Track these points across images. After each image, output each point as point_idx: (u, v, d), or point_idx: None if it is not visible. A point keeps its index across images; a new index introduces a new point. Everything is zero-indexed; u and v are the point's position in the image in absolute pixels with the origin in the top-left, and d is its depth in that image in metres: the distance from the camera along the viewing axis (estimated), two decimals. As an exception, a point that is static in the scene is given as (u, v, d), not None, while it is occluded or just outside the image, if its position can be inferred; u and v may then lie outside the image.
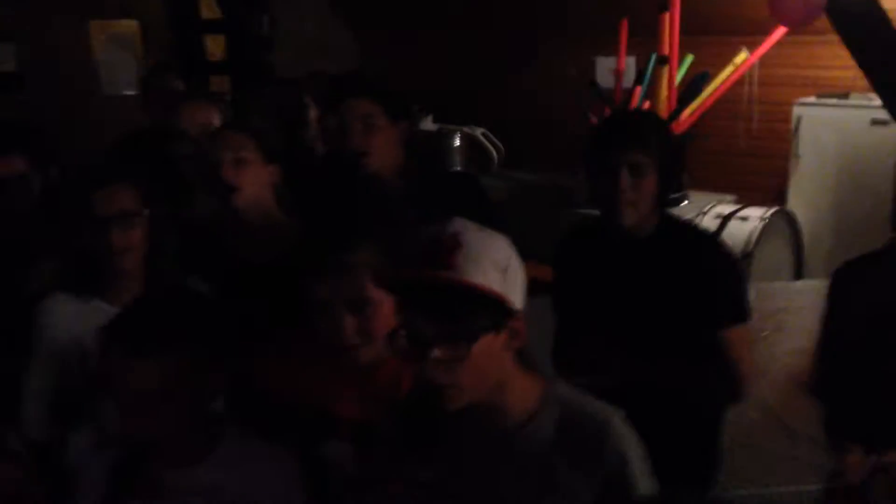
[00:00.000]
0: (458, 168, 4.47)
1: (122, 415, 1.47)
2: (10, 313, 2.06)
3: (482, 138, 4.45)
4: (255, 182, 2.27)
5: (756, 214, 3.98)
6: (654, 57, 3.95)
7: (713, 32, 4.18)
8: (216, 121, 2.53)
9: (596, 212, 2.09)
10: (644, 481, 1.37)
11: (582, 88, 4.15)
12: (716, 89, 4.01)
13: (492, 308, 1.29)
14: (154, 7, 5.16)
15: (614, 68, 4.10)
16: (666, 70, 3.91)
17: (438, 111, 4.49)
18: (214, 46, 5.28)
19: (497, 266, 1.30)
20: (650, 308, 2.00)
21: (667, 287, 1.99)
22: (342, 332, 1.61)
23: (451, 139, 4.44)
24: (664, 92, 3.94)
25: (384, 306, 1.59)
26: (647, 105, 3.99)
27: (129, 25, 5.25)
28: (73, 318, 2.01)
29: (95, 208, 1.98)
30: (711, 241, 2.22)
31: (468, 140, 4.48)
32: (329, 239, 1.69)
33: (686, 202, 4.20)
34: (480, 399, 1.34)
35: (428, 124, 4.48)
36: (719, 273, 2.03)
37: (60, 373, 2.01)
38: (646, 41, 3.97)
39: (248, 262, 2.23)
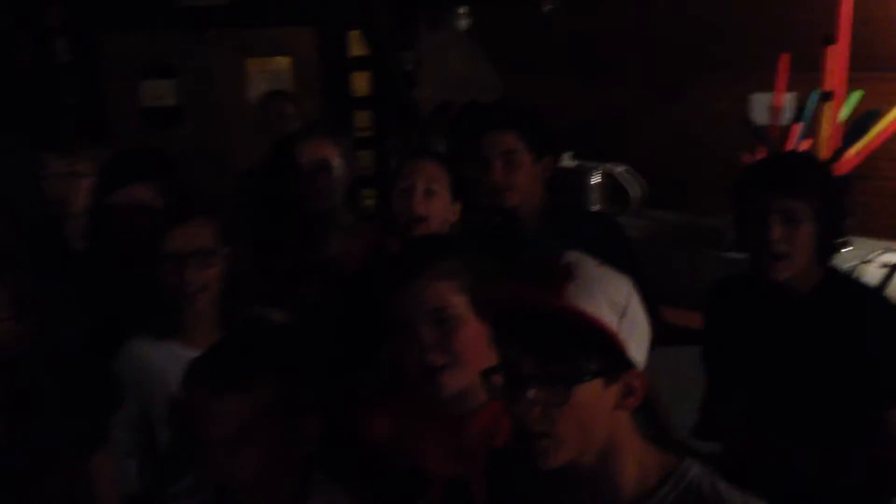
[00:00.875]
0: (596, 206, 4.32)
1: (209, 460, 1.37)
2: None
3: (624, 175, 4.29)
4: (441, 214, 2.22)
5: (930, 264, 3.60)
6: (816, 93, 3.68)
7: (886, 68, 3.87)
8: (334, 158, 2.52)
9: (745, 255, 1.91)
10: None
11: (735, 125, 3.92)
12: (886, 127, 3.69)
13: (603, 351, 1.11)
14: (307, 45, 5.35)
15: (770, 104, 3.86)
16: (830, 107, 3.63)
17: (579, 147, 4.37)
18: (359, 82, 5.41)
19: (614, 306, 1.12)
20: (806, 377, 1.78)
21: (824, 354, 1.77)
22: (422, 349, 1.44)
23: (590, 176, 4.30)
24: (827, 130, 3.66)
25: (471, 326, 1.43)
26: (806, 144, 3.72)
27: (283, 62, 5.46)
28: (153, 364, 1.98)
29: (172, 245, 1.97)
30: (880, 302, 1.94)
31: (608, 178, 4.33)
32: (412, 251, 1.57)
33: (848, 248, 3.86)
34: (582, 460, 1.14)
35: (567, 161, 4.36)
36: (887, 342, 1.77)
37: (147, 422, 1.99)
38: (807, 76, 3.70)
39: None
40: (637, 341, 1.15)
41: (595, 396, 1.12)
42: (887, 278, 3.60)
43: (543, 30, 4.80)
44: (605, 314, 1.11)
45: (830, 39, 3.59)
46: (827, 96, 3.64)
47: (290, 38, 5.39)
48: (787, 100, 3.83)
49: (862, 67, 3.70)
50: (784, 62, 3.83)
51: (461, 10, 4.76)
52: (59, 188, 2.59)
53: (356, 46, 5.34)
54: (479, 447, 1.47)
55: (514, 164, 2.26)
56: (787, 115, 3.82)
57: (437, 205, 2.20)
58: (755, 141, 3.78)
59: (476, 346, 1.40)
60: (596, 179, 4.25)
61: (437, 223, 2.19)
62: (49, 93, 4.78)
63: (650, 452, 1.20)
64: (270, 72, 5.48)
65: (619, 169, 4.29)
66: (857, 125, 3.63)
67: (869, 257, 3.75)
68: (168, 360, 1.92)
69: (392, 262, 1.56)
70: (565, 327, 1.09)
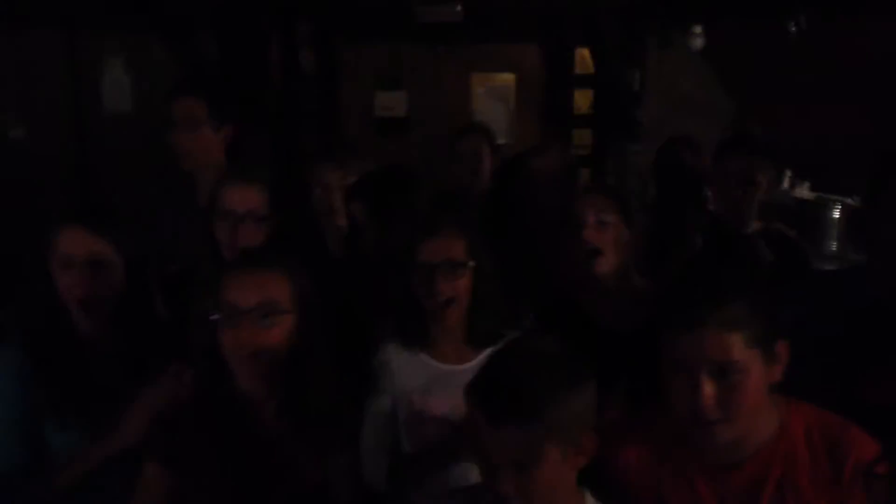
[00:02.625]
0: (834, 243, 4.05)
1: (491, 481, 1.41)
2: (358, 365, 2.12)
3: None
4: (616, 246, 2.21)
5: None
6: None
7: None
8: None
9: None
10: None
11: None
12: None
13: None
14: (532, 62, 5.41)
15: None
16: None
17: (819, 177, 4.11)
18: (582, 100, 5.39)
19: None
20: None
21: None
22: (699, 401, 1.38)
23: (829, 210, 4.03)
24: None
25: (752, 379, 1.38)
26: None
27: (507, 79, 5.56)
28: (403, 372, 2.06)
29: (423, 256, 2.02)
30: None
31: (849, 212, 4.04)
32: (694, 293, 1.46)
33: None
34: None
35: (804, 192, 4.12)
36: None
37: (392, 428, 2.07)
38: None
39: (607, 330, 2.16)
40: None
41: None
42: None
43: (786, 52, 4.56)
44: None
45: None
46: None
47: (515, 54, 5.47)
48: None
49: None
50: None
51: (695, 31, 4.61)
52: (330, 198, 2.78)
53: (581, 65, 5.33)
54: (743, 498, 1.42)
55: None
56: None
57: (610, 236, 2.19)
58: None
59: (754, 399, 1.36)
60: (835, 214, 3.99)
61: (615, 255, 2.19)
62: (293, 101, 5.14)
63: None
64: (494, 87, 5.60)
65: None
66: None
67: None
68: (416, 370, 2.01)
69: (676, 299, 1.49)
70: None
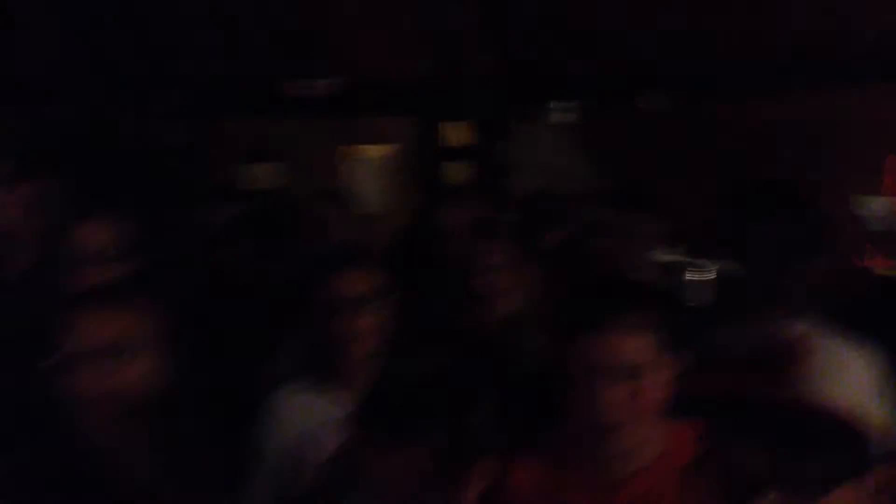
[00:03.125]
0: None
1: None
2: (245, 403, 2.04)
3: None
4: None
5: None
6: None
7: None
8: None
9: None
10: None
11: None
12: None
13: (854, 445, 0.99)
14: (405, 135, 5.48)
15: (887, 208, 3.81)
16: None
17: (693, 243, 4.33)
18: (454, 172, 5.50)
19: (858, 389, 1.03)
20: None
21: None
22: (605, 404, 1.35)
23: (685, 274, 4.24)
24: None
25: (657, 383, 1.36)
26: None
27: (380, 150, 5.59)
28: (301, 413, 1.97)
29: (338, 290, 1.98)
30: None
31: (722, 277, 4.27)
32: (601, 300, 1.45)
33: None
34: None
35: (677, 257, 4.32)
36: None
37: (283, 477, 1.96)
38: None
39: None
40: (887, 429, 1.05)
41: (847, 500, 1.00)
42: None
43: (640, 125, 4.84)
44: (850, 399, 1.00)
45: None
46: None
47: (389, 127, 5.52)
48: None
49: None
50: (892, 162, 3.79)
51: (554, 106, 4.84)
52: None
53: (452, 136, 5.45)
54: None
55: None
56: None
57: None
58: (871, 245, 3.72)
59: (656, 403, 1.32)
60: (701, 276, 4.20)
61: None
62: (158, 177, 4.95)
63: None
64: (362, 160, 5.61)
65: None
66: None
67: None
68: (325, 411, 1.92)
69: (579, 308, 1.47)
70: (808, 419, 0.98)
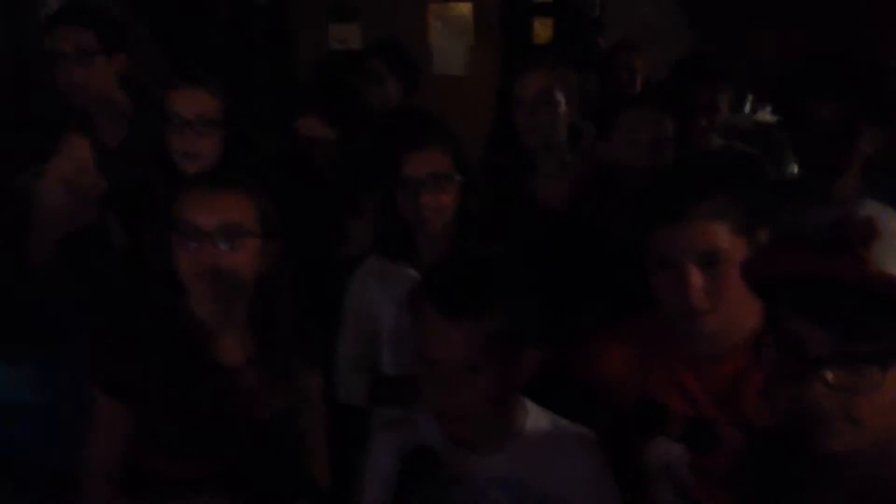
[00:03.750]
0: (796, 166, 4.04)
1: (433, 387, 1.36)
2: (324, 276, 2.11)
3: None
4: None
5: None
6: None
7: None
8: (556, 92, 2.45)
9: None
10: None
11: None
12: None
13: None
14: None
15: None
16: None
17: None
18: (541, 29, 5.28)
19: None
20: None
21: None
22: (688, 292, 1.37)
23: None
24: None
25: (737, 269, 1.32)
26: None
27: (464, 8, 5.41)
28: (382, 283, 2.02)
29: (408, 170, 1.97)
30: None
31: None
32: (676, 186, 1.45)
33: None
34: (866, 449, 1.03)
35: (766, 116, 4.09)
36: None
37: (368, 339, 2.03)
38: None
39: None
40: None
41: None
42: None
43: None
44: None
45: None
46: None
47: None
48: None
49: None
50: None
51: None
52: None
53: (539, -8, 5.22)
54: (728, 389, 1.40)
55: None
56: None
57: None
58: None
59: (740, 287, 1.29)
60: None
61: None
62: (243, 35, 4.96)
63: None
64: (451, 17, 5.45)
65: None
66: None
67: None
68: (399, 282, 1.95)
69: (657, 194, 1.47)
70: (870, 298, 0.96)
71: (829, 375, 0.98)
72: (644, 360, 1.52)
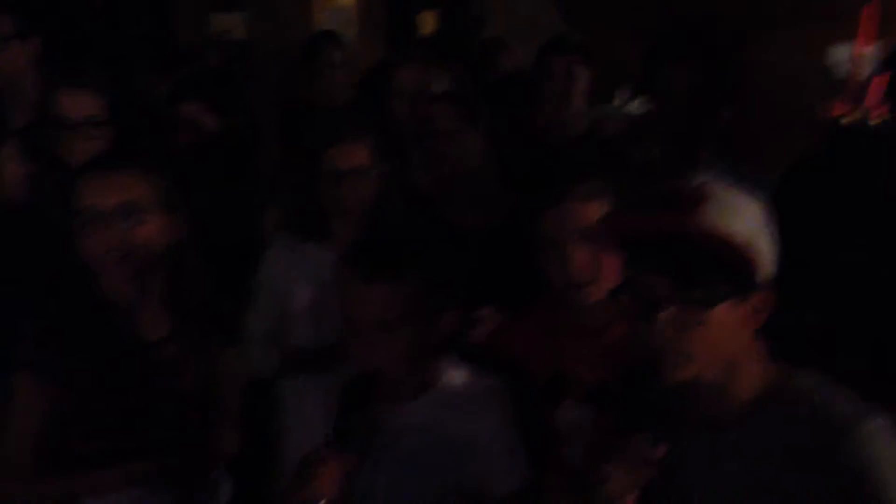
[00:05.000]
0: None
1: (353, 344, 1.49)
2: (239, 258, 2.16)
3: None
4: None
5: None
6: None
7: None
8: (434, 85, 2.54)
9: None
10: None
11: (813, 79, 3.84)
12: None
13: (737, 272, 1.15)
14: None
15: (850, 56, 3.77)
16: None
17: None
18: (426, 22, 5.37)
19: (747, 227, 1.16)
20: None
21: None
22: (570, 266, 1.57)
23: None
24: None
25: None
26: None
27: (348, 1, 5.43)
28: (293, 261, 2.09)
29: (330, 164, 2.03)
30: None
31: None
32: (555, 172, 1.68)
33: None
34: (705, 375, 1.20)
35: (634, 106, 4.30)
36: None
37: (278, 315, 2.09)
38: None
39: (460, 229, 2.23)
40: (768, 263, 1.19)
41: (726, 317, 1.16)
42: None
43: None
44: (740, 235, 1.14)
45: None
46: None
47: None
48: (871, 51, 3.73)
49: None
50: (870, 11, 3.72)
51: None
52: None
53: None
54: (617, 353, 1.51)
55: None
56: (869, 68, 3.73)
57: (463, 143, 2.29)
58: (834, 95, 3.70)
59: (613, 260, 1.46)
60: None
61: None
62: (121, 24, 4.82)
63: (768, 364, 1.26)
64: (335, 9, 5.46)
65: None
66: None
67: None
68: (311, 261, 2.00)
69: (539, 182, 1.66)
70: (702, 250, 1.13)
71: (666, 314, 1.15)
72: (546, 336, 1.69)
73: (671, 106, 2.05)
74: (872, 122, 3.19)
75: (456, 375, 1.59)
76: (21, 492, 1.59)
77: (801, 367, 1.28)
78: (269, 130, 3.42)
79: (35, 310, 1.66)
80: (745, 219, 1.16)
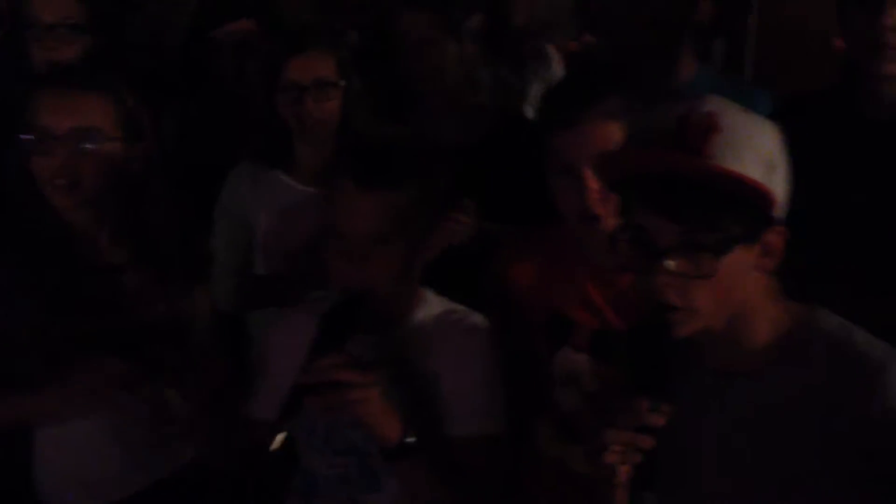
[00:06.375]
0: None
1: (340, 261, 1.39)
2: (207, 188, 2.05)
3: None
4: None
5: None
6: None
7: None
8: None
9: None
10: None
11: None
12: None
13: (749, 213, 1.02)
14: None
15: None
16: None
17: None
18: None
19: (762, 159, 1.02)
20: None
21: None
22: (586, 194, 1.37)
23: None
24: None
25: None
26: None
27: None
28: (255, 189, 1.99)
29: (291, 75, 1.90)
30: None
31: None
32: (568, 92, 1.48)
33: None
34: (716, 326, 1.09)
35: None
36: None
37: (242, 245, 2.00)
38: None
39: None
40: (781, 195, 1.07)
41: (738, 262, 1.04)
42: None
43: None
44: (754, 170, 1.01)
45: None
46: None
47: None
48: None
49: None
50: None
51: None
52: None
53: None
54: (627, 301, 1.40)
55: None
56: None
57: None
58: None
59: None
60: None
61: None
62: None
63: (783, 307, 1.15)
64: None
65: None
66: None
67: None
68: (273, 188, 1.91)
69: (552, 102, 1.49)
70: (711, 190, 0.99)
71: (671, 264, 1.02)
72: (550, 272, 1.54)
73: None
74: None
75: (435, 307, 1.50)
76: None
77: (817, 307, 1.18)
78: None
79: None
80: (759, 149, 1.03)
